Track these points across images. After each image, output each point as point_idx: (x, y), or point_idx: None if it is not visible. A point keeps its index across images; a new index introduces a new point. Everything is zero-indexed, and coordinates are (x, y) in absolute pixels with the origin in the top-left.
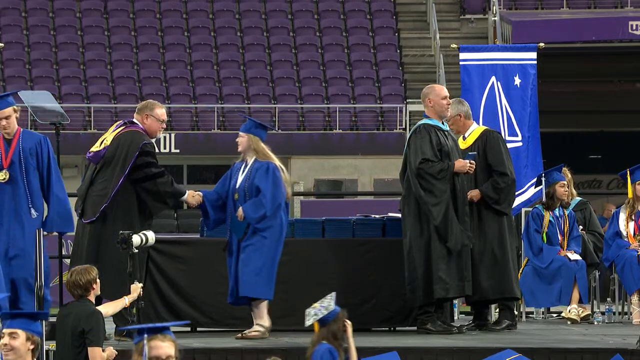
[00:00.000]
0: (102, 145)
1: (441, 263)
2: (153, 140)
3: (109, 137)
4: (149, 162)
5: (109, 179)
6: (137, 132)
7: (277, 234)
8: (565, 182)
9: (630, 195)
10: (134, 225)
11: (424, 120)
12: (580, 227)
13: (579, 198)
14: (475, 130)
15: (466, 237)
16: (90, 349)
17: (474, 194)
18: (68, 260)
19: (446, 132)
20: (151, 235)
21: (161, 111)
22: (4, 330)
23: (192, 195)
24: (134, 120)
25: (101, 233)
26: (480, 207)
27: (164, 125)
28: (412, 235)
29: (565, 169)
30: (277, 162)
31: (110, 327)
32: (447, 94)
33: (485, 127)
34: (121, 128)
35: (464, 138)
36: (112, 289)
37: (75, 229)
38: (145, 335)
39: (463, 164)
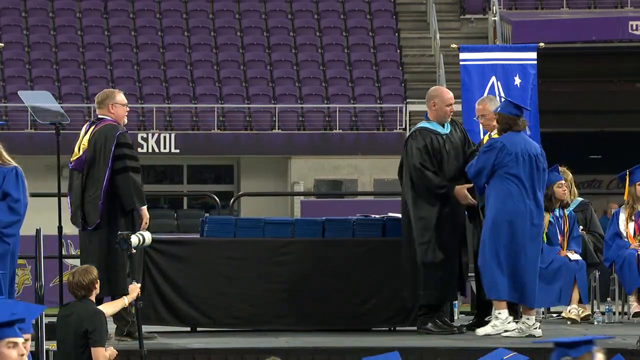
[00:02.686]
0: (81, 151)
1: (436, 269)
2: (125, 128)
3: (84, 140)
4: (125, 154)
5: (97, 179)
6: (109, 124)
7: (17, 241)
8: (563, 182)
9: (626, 197)
10: (135, 223)
11: (424, 124)
12: (581, 227)
13: (580, 199)
14: None
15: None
16: (93, 349)
17: (462, 201)
18: (68, 260)
19: (444, 136)
20: (148, 236)
21: (121, 96)
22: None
23: (145, 217)
24: (101, 116)
25: (109, 236)
26: None
27: (128, 109)
28: (409, 238)
29: (564, 169)
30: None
31: (110, 327)
32: (452, 101)
33: None
34: (92, 127)
35: (490, 137)
36: (124, 288)
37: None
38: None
39: (464, 195)
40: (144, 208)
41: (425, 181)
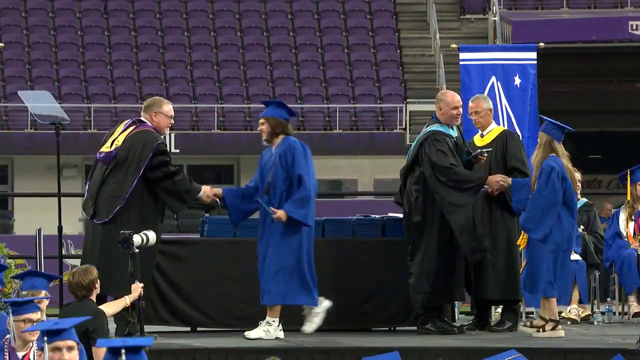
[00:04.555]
0: (114, 146)
1: (446, 268)
2: (163, 137)
3: (119, 137)
4: (165, 161)
5: (122, 180)
6: (149, 131)
7: None
8: None
9: (628, 197)
10: (147, 227)
11: (436, 127)
12: (582, 227)
13: (585, 199)
14: (494, 129)
15: (483, 245)
16: (94, 349)
17: (495, 187)
18: (68, 260)
19: (454, 139)
20: (152, 235)
21: (168, 107)
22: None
23: (207, 194)
24: (142, 119)
25: (114, 235)
26: (491, 208)
27: (172, 121)
28: (418, 238)
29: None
30: None
31: (110, 327)
32: (459, 103)
33: (504, 128)
34: (131, 128)
35: (482, 135)
36: (122, 289)
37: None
38: None
39: (495, 182)
40: (203, 189)
41: (459, 177)
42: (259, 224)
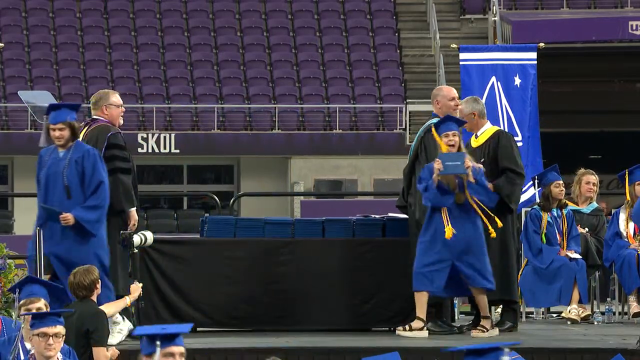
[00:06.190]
0: None
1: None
2: (119, 129)
3: None
4: (115, 155)
5: None
6: (102, 126)
7: None
8: (560, 182)
9: (628, 197)
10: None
11: (436, 120)
12: (586, 228)
13: (595, 204)
14: (488, 129)
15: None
16: (95, 349)
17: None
18: None
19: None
20: (150, 235)
21: (116, 97)
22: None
23: (134, 216)
24: (94, 117)
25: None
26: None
27: (123, 109)
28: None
29: (590, 171)
30: None
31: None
32: (456, 95)
33: (497, 127)
34: (86, 128)
35: (476, 137)
36: (122, 287)
37: None
38: None
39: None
40: (133, 210)
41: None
42: (47, 229)
